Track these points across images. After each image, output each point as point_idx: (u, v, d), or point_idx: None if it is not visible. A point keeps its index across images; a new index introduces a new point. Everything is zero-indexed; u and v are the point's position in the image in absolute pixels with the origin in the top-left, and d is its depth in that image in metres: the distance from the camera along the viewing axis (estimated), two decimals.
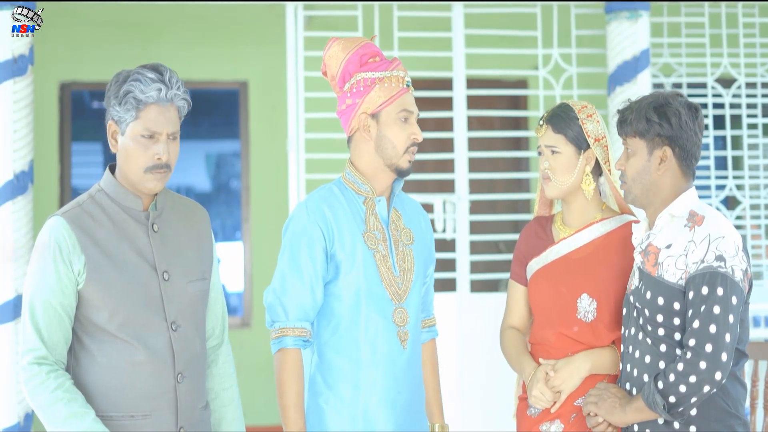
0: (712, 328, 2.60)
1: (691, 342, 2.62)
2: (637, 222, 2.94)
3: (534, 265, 3.03)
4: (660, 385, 2.64)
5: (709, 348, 2.59)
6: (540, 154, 3.02)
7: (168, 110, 2.62)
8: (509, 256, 3.16)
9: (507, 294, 3.12)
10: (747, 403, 3.64)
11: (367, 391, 2.82)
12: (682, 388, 2.61)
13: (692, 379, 2.60)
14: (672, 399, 2.63)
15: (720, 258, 2.64)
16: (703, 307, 2.62)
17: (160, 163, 2.60)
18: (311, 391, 2.86)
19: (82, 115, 7.31)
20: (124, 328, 2.57)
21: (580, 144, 2.96)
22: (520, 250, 3.08)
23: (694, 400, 2.63)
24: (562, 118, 2.97)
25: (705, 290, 2.63)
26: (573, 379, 2.89)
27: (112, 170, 2.69)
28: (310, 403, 2.86)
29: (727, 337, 2.61)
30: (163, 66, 2.64)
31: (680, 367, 2.62)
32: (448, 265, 5.29)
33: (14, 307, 4.60)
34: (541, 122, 3.01)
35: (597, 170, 3.00)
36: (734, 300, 2.64)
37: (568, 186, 2.97)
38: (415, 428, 2.89)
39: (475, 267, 5.43)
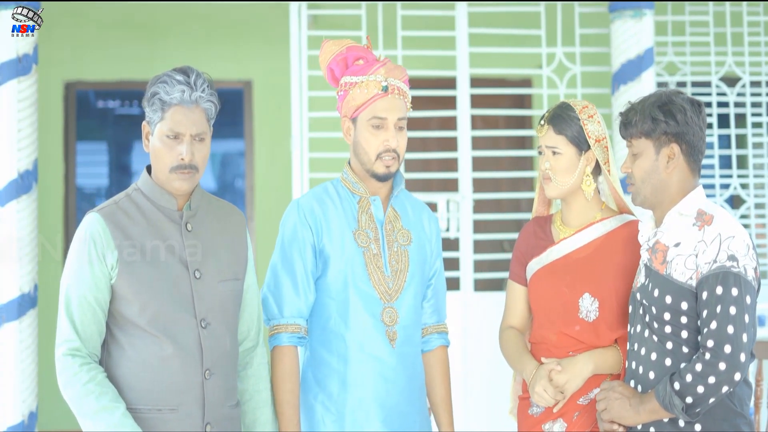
0: (730, 329, 2.60)
1: (710, 343, 2.61)
2: (637, 221, 2.94)
3: (534, 265, 3.02)
4: (676, 386, 2.63)
5: (728, 349, 2.59)
6: (540, 153, 3.00)
7: (192, 112, 2.68)
8: None
9: (506, 294, 3.11)
10: (752, 403, 3.64)
11: (356, 389, 2.83)
12: (701, 389, 2.61)
13: (711, 380, 2.60)
14: (689, 400, 2.62)
15: (732, 258, 2.64)
16: (719, 308, 2.62)
17: (183, 163, 2.66)
18: (302, 387, 2.87)
19: (86, 114, 7.31)
20: (154, 322, 2.62)
21: (581, 145, 2.95)
22: (520, 250, 3.08)
23: (711, 400, 2.63)
24: (563, 119, 2.95)
25: (719, 290, 2.62)
26: (576, 380, 2.88)
27: (149, 171, 2.75)
28: (302, 399, 2.87)
29: (744, 337, 2.61)
30: (191, 68, 2.70)
31: (699, 368, 2.61)
32: (452, 264, 5.29)
33: (18, 306, 4.61)
34: (542, 122, 2.99)
35: (597, 170, 2.99)
36: (748, 300, 2.64)
37: (569, 186, 2.96)
38: (409, 429, 2.87)
39: (479, 266, 5.43)
